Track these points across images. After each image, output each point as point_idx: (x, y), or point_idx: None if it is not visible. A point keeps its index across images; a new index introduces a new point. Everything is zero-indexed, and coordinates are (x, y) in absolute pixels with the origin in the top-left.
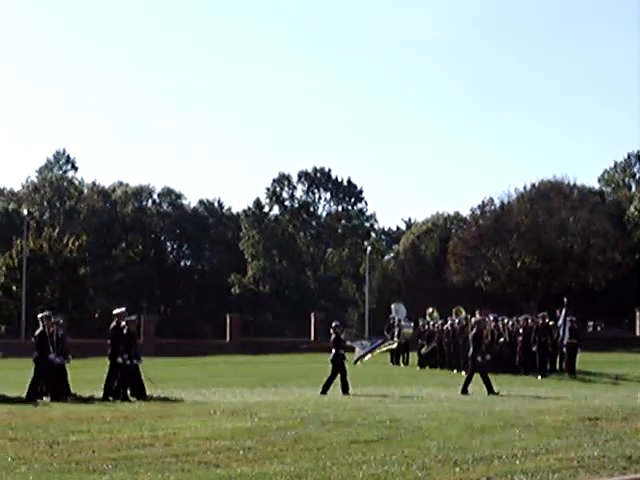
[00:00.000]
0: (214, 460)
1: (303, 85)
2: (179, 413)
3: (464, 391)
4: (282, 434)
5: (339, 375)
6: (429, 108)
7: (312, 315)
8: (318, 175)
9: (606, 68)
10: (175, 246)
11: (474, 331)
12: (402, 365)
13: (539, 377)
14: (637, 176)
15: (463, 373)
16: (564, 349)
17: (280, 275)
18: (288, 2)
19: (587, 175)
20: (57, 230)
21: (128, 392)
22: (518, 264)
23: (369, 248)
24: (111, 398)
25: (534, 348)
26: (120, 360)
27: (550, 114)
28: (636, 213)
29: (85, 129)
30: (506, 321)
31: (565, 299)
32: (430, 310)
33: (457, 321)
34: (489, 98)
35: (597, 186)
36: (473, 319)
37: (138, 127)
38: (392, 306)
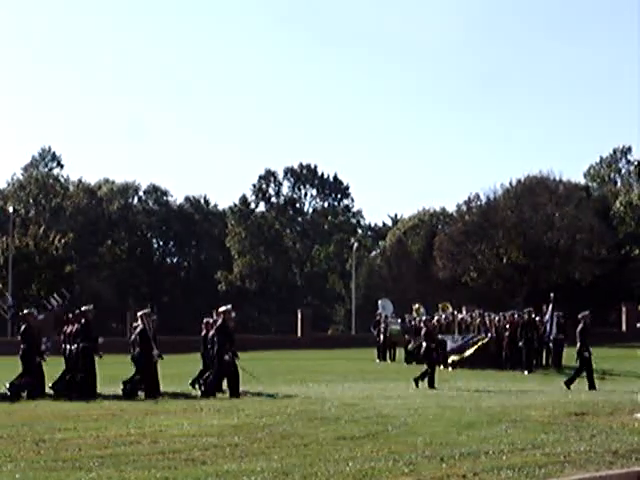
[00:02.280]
0: (201, 457)
1: (289, 82)
2: (165, 410)
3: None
4: (269, 431)
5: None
6: (415, 104)
7: (299, 311)
8: (304, 171)
9: (592, 64)
10: (161, 243)
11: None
12: (389, 361)
13: (526, 372)
14: (623, 171)
15: (450, 369)
16: (551, 344)
17: (266, 272)
18: (281, 1)
19: (573, 170)
20: (43, 227)
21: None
22: (504, 260)
23: (355, 244)
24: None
25: (520, 343)
26: (227, 358)
27: (536, 110)
28: (622, 208)
29: (71, 126)
30: (492, 317)
31: (552, 294)
32: (416, 306)
33: (444, 317)
34: (475, 95)
35: (583, 181)
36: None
37: (124, 125)
38: (379, 302)
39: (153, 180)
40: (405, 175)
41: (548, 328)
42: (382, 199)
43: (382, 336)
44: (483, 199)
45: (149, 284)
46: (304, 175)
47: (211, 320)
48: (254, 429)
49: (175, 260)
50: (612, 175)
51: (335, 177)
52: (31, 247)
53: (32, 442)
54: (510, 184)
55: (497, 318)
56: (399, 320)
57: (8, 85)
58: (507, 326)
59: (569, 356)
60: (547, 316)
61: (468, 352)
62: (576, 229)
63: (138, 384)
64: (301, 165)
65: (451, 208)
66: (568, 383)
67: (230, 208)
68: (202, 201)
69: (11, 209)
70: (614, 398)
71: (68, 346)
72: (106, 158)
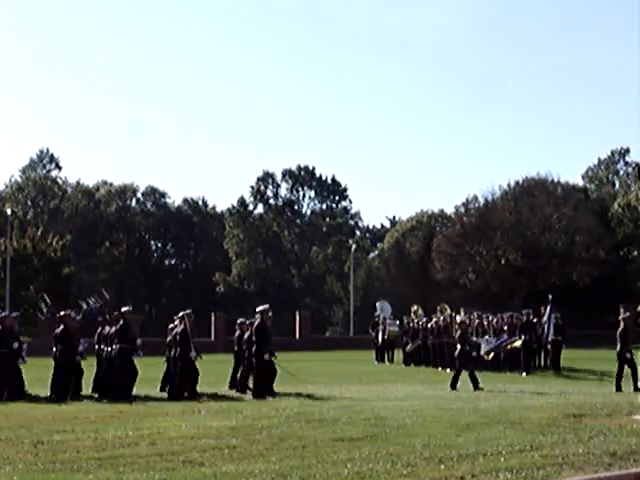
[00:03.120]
0: (199, 459)
1: (287, 83)
2: (164, 412)
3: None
4: (267, 432)
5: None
6: (413, 106)
7: (297, 313)
8: (302, 173)
9: (591, 66)
10: (159, 245)
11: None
12: (387, 363)
13: (524, 374)
14: (621, 173)
15: (448, 371)
16: (549, 346)
17: (265, 273)
18: (280, 1)
19: (571, 172)
20: (41, 229)
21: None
22: (502, 261)
23: (354, 246)
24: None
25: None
26: (267, 357)
27: (534, 112)
28: (620, 210)
29: (69, 128)
30: (491, 318)
31: (550, 296)
32: (415, 308)
33: (442, 319)
34: (473, 96)
35: (581, 183)
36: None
37: (122, 127)
38: (377, 304)
39: (151, 182)
40: (403, 177)
41: (546, 329)
42: (380, 201)
43: (380, 338)
44: (481, 201)
45: (147, 286)
46: (302, 177)
47: (247, 321)
48: (252, 431)
49: (173, 262)
50: (610, 177)
51: (333, 179)
52: (29, 249)
53: (30, 444)
54: (508, 186)
55: (495, 320)
56: (397, 322)
57: (6, 86)
58: (505, 328)
59: (567, 357)
60: (545, 318)
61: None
62: (574, 231)
63: (182, 385)
64: (299, 167)
65: (449, 210)
66: (635, 388)
67: (228, 210)
68: (200, 203)
69: (9, 211)
70: (612, 400)
71: (104, 347)
72: (104, 160)
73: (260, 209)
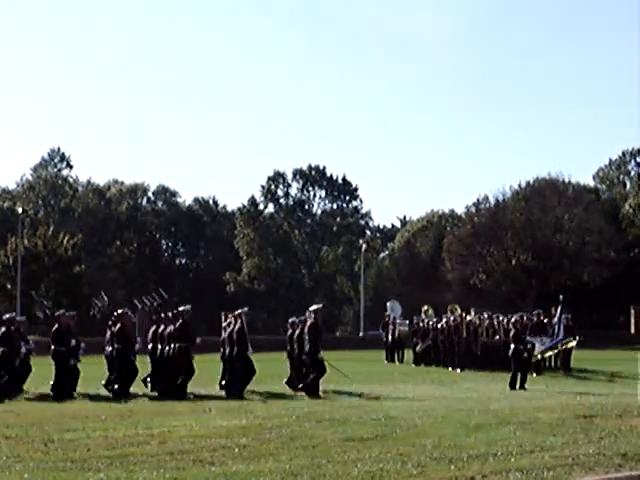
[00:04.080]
0: (209, 458)
1: (298, 83)
2: (174, 411)
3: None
4: (277, 432)
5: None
6: (424, 106)
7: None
8: (313, 173)
9: (601, 66)
10: (170, 244)
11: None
12: (397, 363)
13: (534, 374)
14: (632, 174)
15: (458, 371)
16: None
17: (275, 273)
18: (288, 2)
19: (582, 173)
20: (52, 228)
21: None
22: (513, 262)
23: (364, 246)
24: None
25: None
26: (320, 355)
27: (545, 112)
28: (631, 211)
29: (80, 127)
30: (501, 318)
31: (561, 296)
32: (425, 308)
33: (452, 319)
34: (485, 97)
35: (592, 184)
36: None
37: (134, 126)
38: (387, 304)
39: (162, 181)
40: (414, 177)
41: (557, 330)
42: (391, 201)
43: (390, 337)
44: (492, 201)
45: (158, 285)
46: (313, 176)
47: (297, 320)
48: (262, 430)
49: (184, 261)
50: (621, 177)
51: (344, 179)
52: (40, 248)
53: (41, 442)
54: (519, 186)
55: (506, 320)
56: (407, 322)
57: (18, 86)
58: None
59: (577, 358)
60: (556, 318)
61: (550, 352)
62: (585, 231)
63: (242, 383)
64: (310, 166)
65: (460, 210)
66: None
67: (239, 209)
68: (211, 202)
69: (20, 210)
70: (623, 401)
71: (159, 346)
72: (115, 159)
73: (271, 209)
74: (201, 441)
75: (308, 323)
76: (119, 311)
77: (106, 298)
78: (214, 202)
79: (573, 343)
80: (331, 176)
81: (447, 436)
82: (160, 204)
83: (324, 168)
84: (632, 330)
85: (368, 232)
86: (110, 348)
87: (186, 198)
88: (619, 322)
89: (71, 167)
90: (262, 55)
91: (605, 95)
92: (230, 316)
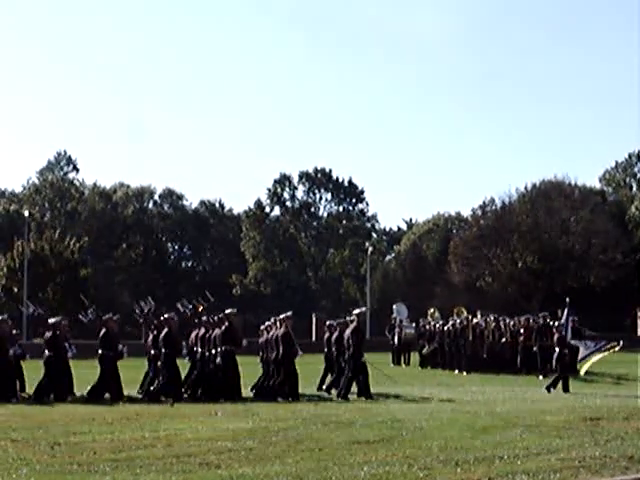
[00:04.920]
0: (215, 461)
1: (304, 85)
2: (180, 414)
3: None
4: (283, 435)
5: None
6: (430, 108)
7: (313, 316)
8: (319, 175)
9: (607, 67)
10: (176, 247)
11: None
12: (403, 365)
13: (540, 377)
14: (638, 176)
15: (465, 373)
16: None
17: (281, 276)
18: (289, 2)
19: (588, 175)
20: (58, 231)
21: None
22: (519, 264)
23: (370, 248)
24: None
25: (535, 348)
26: (364, 359)
27: (551, 114)
28: (637, 213)
29: (86, 130)
30: (507, 321)
31: (567, 299)
32: (431, 310)
33: (458, 321)
34: (490, 98)
35: (598, 186)
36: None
37: (139, 128)
38: (393, 306)
39: (168, 184)
40: (420, 179)
41: (563, 333)
42: (397, 203)
43: (397, 340)
44: (498, 203)
45: (164, 288)
46: (319, 179)
47: (334, 322)
48: (269, 433)
49: (190, 264)
50: (627, 180)
51: (350, 181)
52: (46, 251)
53: (47, 445)
54: (525, 188)
55: (512, 323)
56: (413, 324)
57: (23, 89)
58: (522, 331)
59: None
60: (562, 321)
61: (596, 357)
62: (591, 234)
63: (281, 385)
64: (316, 169)
65: (466, 212)
66: None
67: (245, 212)
68: (217, 205)
69: (27, 213)
70: (629, 403)
71: (199, 349)
72: (121, 162)
73: (277, 211)
74: (207, 444)
75: (351, 326)
76: (165, 315)
77: (152, 302)
78: (220, 205)
79: (617, 347)
80: (337, 179)
81: (453, 439)
82: (166, 207)
83: (330, 171)
84: (638, 332)
85: (374, 235)
86: (153, 352)
87: (192, 201)
88: (625, 324)
89: (77, 170)
90: (262, 55)
91: (611, 97)
92: (273, 319)
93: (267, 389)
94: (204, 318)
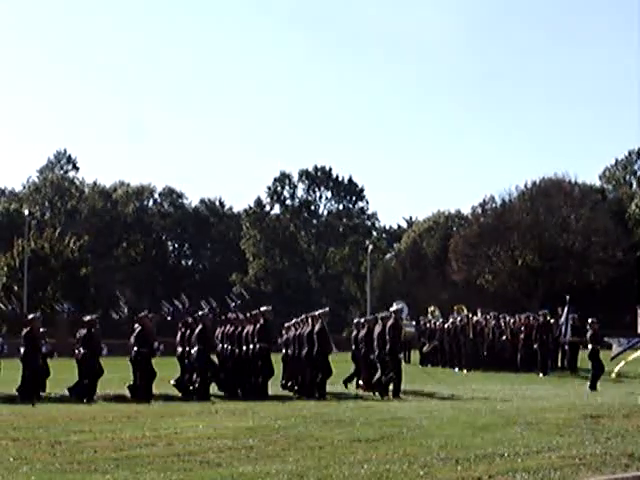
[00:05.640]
0: (216, 459)
1: (303, 84)
2: (181, 412)
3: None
4: (284, 433)
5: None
6: (430, 106)
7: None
8: (319, 174)
9: (607, 65)
10: (176, 245)
11: None
12: (403, 363)
13: (541, 375)
14: (638, 174)
15: (465, 371)
16: (566, 347)
17: (281, 274)
18: (289, 2)
19: (588, 173)
20: (58, 230)
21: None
22: (519, 262)
23: (370, 247)
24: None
25: (535, 346)
26: (401, 356)
27: (551, 112)
28: (637, 211)
29: (86, 129)
30: (507, 319)
31: (567, 297)
32: (432, 308)
33: (458, 319)
34: (489, 96)
35: (598, 184)
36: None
37: (139, 127)
38: (394, 304)
39: (168, 183)
40: (420, 177)
41: (563, 330)
42: (397, 201)
43: None
44: (498, 201)
45: (164, 286)
46: (319, 177)
47: (362, 320)
48: (269, 431)
49: (190, 262)
50: (627, 177)
51: (350, 179)
52: (47, 250)
53: (47, 444)
54: (525, 186)
55: (512, 320)
56: (414, 322)
57: (23, 87)
58: (522, 328)
59: (584, 358)
60: (562, 318)
61: (632, 356)
62: (591, 231)
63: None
64: (316, 167)
65: (466, 210)
66: None
67: (245, 210)
68: (217, 203)
69: (27, 212)
70: (630, 400)
71: (227, 346)
72: (121, 161)
73: (277, 210)
74: (208, 442)
75: (389, 323)
76: (199, 313)
77: (186, 300)
78: (220, 203)
79: None
80: (337, 177)
81: (454, 436)
82: (166, 206)
83: (330, 169)
84: (638, 330)
85: (374, 233)
86: (180, 349)
87: (192, 199)
88: (625, 322)
89: (77, 169)
90: (267, 55)
91: (611, 95)
92: (305, 316)
93: (301, 387)
94: (234, 315)
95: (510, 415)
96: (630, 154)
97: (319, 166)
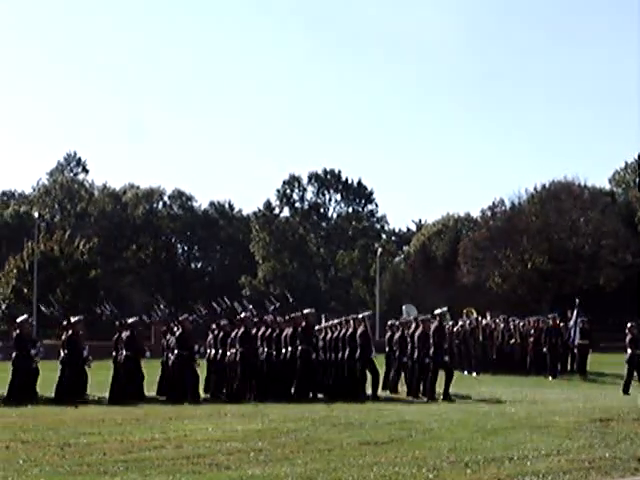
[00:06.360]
0: (225, 462)
1: (312, 86)
2: (190, 415)
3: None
4: (293, 436)
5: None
6: (439, 109)
7: (322, 317)
8: (328, 177)
9: (616, 67)
10: (186, 248)
11: None
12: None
13: (550, 378)
14: None
15: (474, 374)
16: (575, 350)
17: (290, 277)
18: (289, 2)
19: (598, 176)
20: (68, 233)
21: None
22: (529, 265)
23: (379, 249)
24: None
25: (545, 349)
26: (446, 359)
27: (561, 114)
28: None
29: (96, 132)
30: (517, 322)
31: (577, 300)
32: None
33: (468, 322)
34: (500, 98)
35: (608, 187)
36: None
37: (149, 129)
38: (403, 307)
39: (178, 185)
40: (429, 180)
41: (572, 334)
42: (406, 204)
43: None
44: (508, 204)
45: (173, 289)
46: (328, 180)
47: (396, 322)
48: (278, 434)
49: (200, 265)
50: (637, 180)
51: (359, 182)
52: (56, 252)
53: (57, 446)
54: (535, 189)
55: (522, 323)
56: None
57: (33, 91)
58: (531, 331)
59: (593, 362)
60: (572, 322)
61: None
62: (601, 234)
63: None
64: (325, 170)
65: (475, 213)
66: None
67: (254, 213)
68: (227, 206)
69: (36, 214)
70: (639, 404)
71: (264, 349)
72: (131, 163)
73: (286, 212)
74: (217, 445)
75: (433, 326)
76: (242, 315)
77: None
78: (230, 206)
79: None
80: (346, 180)
81: (463, 440)
82: (176, 208)
83: (339, 172)
84: None
85: (384, 236)
86: (213, 351)
87: (202, 202)
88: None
89: (87, 171)
90: (277, 58)
91: (622, 97)
92: (347, 318)
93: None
94: (271, 317)
95: (519, 418)
96: None
97: (328, 169)
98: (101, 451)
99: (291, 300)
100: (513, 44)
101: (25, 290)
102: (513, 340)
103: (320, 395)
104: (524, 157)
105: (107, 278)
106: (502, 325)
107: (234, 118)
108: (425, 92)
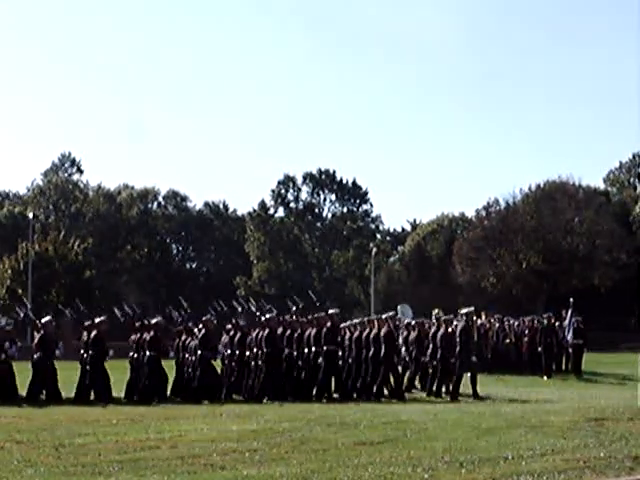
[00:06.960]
0: (220, 462)
1: (307, 86)
2: (185, 415)
3: None
4: (288, 436)
5: None
6: (433, 109)
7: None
8: (323, 177)
9: (611, 67)
10: (180, 248)
11: None
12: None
13: (545, 378)
14: None
15: (469, 374)
16: (570, 349)
17: (285, 277)
18: (289, 2)
19: (592, 175)
20: (63, 233)
21: None
22: (523, 265)
23: (374, 249)
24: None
25: (540, 349)
26: (474, 359)
27: (555, 114)
28: None
29: (90, 132)
30: (512, 322)
31: (571, 299)
32: (436, 311)
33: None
34: (494, 98)
35: (602, 186)
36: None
37: (143, 130)
38: (398, 307)
39: (172, 185)
40: (424, 180)
41: (567, 333)
42: (401, 204)
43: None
44: (502, 204)
45: (168, 289)
46: (323, 180)
47: (413, 322)
48: (273, 434)
49: (194, 265)
50: (632, 180)
51: (354, 182)
52: (51, 252)
53: (52, 447)
54: (529, 189)
55: (516, 323)
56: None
57: (28, 91)
58: (526, 331)
59: (588, 361)
60: (566, 321)
61: None
62: (595, 234)
63: (396, 384)
64: (320, 170)
65: (470, 213)
66: None
67: (249, 213)
68: (221, 206)
69: (31, 215)
70: (634, 404)
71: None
72: (125, 164)
73: (281, 212)
74: (212, 445)
75: (460, 326)
76: (267, 316)
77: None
78: (224, 206)
79: None
80: (341, 180)
81: (458, 439)
82: (170, 208)
83: (334, 172)
84: None
85: (378, 236)
86: (229, 351)
87: (196, 202)
88: (630, 325)
89: (81, 172)
90: (271, 58)
91: (616, 97)
92: (365, 319)
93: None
94: (287, 317)
95: (514, 418)
96: (634, 157)
97: (323, 169)
98: (96, 451)
99: (315, 300)
100: (513, 44)
101: (20, 290)
102: (508, 340)
103: (336, 395)
104: (519, 157)
105: (102, 278)
106: (497, 325)
107: (229, 118)
108: (423, 92)
